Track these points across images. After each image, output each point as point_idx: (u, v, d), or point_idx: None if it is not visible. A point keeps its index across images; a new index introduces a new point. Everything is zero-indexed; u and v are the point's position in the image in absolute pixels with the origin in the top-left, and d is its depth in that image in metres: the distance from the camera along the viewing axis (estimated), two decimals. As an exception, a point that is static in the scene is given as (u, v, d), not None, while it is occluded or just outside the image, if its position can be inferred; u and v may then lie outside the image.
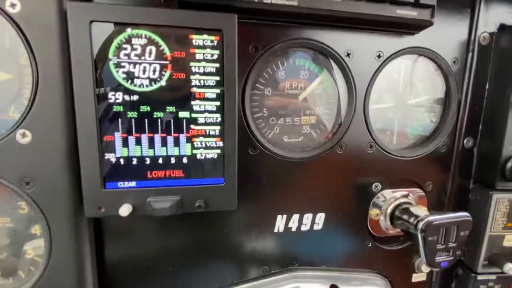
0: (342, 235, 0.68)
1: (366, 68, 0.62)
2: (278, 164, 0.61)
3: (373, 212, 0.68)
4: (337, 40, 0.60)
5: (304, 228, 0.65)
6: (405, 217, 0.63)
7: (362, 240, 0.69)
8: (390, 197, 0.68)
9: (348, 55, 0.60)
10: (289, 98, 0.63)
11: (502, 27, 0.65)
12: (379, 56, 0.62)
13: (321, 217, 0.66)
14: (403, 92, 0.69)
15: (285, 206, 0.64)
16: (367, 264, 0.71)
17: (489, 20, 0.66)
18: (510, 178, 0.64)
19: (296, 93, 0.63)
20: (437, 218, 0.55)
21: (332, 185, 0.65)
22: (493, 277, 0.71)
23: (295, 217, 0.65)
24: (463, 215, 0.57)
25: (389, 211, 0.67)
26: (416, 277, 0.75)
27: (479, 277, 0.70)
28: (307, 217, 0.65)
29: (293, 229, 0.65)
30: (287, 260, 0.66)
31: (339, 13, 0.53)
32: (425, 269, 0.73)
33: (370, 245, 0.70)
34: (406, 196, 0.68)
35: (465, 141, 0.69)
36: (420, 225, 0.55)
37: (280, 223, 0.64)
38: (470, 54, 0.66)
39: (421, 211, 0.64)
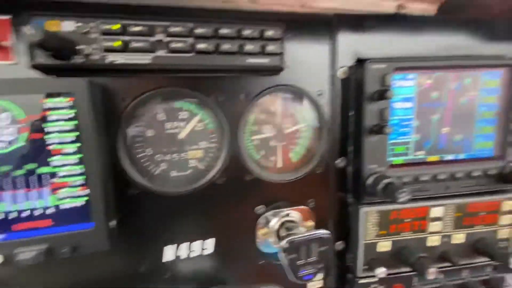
0: (234, 256, 0.75)
1: (236, 108, 0.69)
2: (161, 200, 0.67)
3: (260, 232, 0.76)
4: (205, 85, 0.66)
5: (194, 254, 0.71)
6: (284, 235, 0.71)
7: (254, 259, 0.77)
8: (274, 218, 0.76)
9: (217, 98, 0.67)
10: (172, 137, 0.69)
11: (358, 61, 0.75)
12: (246, 96, 0.69)
13: (210, 242, 0.72)
14: (281, 122, 0.77)
15: (172, 237, 0.69)
16: (263, 278, 0.78)
17: (348, 54, 0.75)
18: (371, 193, 0.73)
19: (177, 132, 0.69)
20: (296, 237, 0.63)
21: (218, 212, 0.72)
22: (375, 279, 0.81)
23: (184, 245, 0.70)
24: (322, 232, 0.65)
25: (275, 230, 0.75)
26: (312, 286, 0.83)
27: (361, 281, 0.80)
28: (197, 244, 0.71)
29: (183, 257, 0.71)
30: (177, 285, 0.72)
31: (192, 67, 0.60)
32: (318, 277, 0.81)
33: (263, 261, 0.77)
34: (288, 215, 0.76)
35: (337, 162, 0.78)
36: (281, 245, 0.63)
37: (169, 253, 0.70)
38: (333, 87, 0.75)
39: (297, 229, 0.72)
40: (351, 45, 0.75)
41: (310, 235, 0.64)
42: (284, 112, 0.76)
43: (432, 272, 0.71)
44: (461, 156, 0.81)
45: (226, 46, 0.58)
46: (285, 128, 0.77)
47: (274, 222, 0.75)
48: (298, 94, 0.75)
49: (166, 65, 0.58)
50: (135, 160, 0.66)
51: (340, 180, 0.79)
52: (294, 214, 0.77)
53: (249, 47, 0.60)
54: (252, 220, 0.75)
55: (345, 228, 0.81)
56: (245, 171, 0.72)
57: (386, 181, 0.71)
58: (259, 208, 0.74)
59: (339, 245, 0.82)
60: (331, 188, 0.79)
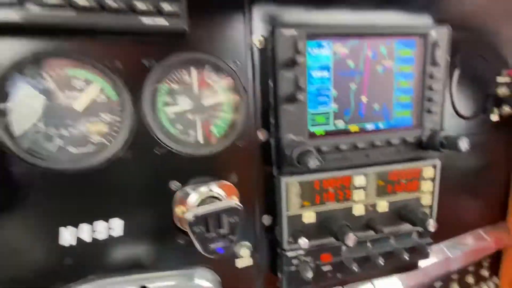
0: (150, 238, 0.71)
1: (138, 76, 0.64)
2: (57, 178, 0.61)
3: (178, 210, 0.72)
4: (99, 49, 0.60)
5: (100, 236, 0.66)
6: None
7: (172, 239, 0.72)
8: (194, 194, 0.72)
9: (114, 64, 0.61)
10: (66, 109, 0.62)
11: (272, 30, 0.73)
12: (150, 63, 0.64)
13: (118, 223, 0.67)
14: (199, 94, 0.73)
15: (71, 218, 0.63)
16: (187, 260, 0.75)
17: (265, 23, 0.73)
18: (290, 163, 0.72)
19: (72, 103, 0.63)
20: (201, 210, 0.60)
21: (126, 190, 0.67)
22: (302, 251, 0.80)
23: (86, 227, 0.64)
24: (230, 203, 0.62)
25: (195, 207, 0.71)
26: (241, 262, 0.81)
27: (288, 254, 0.79)
28: (101, 225, 0.65)
29: (87, 239, 0.65)
30: (86, 272, 0.66)
31: (74, 26, 0.54)
32: (244, 253, 0.79)
33: (184, 242, 0.73)
34: (210, 190, 0.73)
35: (259, 134, 0.76)
36: (186, 218, 0.59)
37: (66, 235, 0.63)
38: (251, 57, 0.73)
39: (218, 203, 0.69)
40: (268, 14, 0.73)
41: (217, 207, 0.61)
42: (201, 84, 0.73)
43: (350, 238, 0.72)
44: (381, 125, 0.82)
45: (110, 2, 0.53)
46: (204, 101, 0.74)
47: (195, 199, 0.72)
48: (214, 64, 0.71)
49: (42, 24, 0.52)
50: (21, 135, 0.59)
51: (266, 153, 0.78)
52: (216, 189, 0.74)
53: (139, 4, 0.55)
54: (166, 198, 0.70)
55: (272, 202, 0.80)
56: (155, 144, 0.67)
57: (299, 149, 0.70)
58: (174, 184, 0.70)
59: (267, 219, 0.81)
60: (256, 161, 0.77)
